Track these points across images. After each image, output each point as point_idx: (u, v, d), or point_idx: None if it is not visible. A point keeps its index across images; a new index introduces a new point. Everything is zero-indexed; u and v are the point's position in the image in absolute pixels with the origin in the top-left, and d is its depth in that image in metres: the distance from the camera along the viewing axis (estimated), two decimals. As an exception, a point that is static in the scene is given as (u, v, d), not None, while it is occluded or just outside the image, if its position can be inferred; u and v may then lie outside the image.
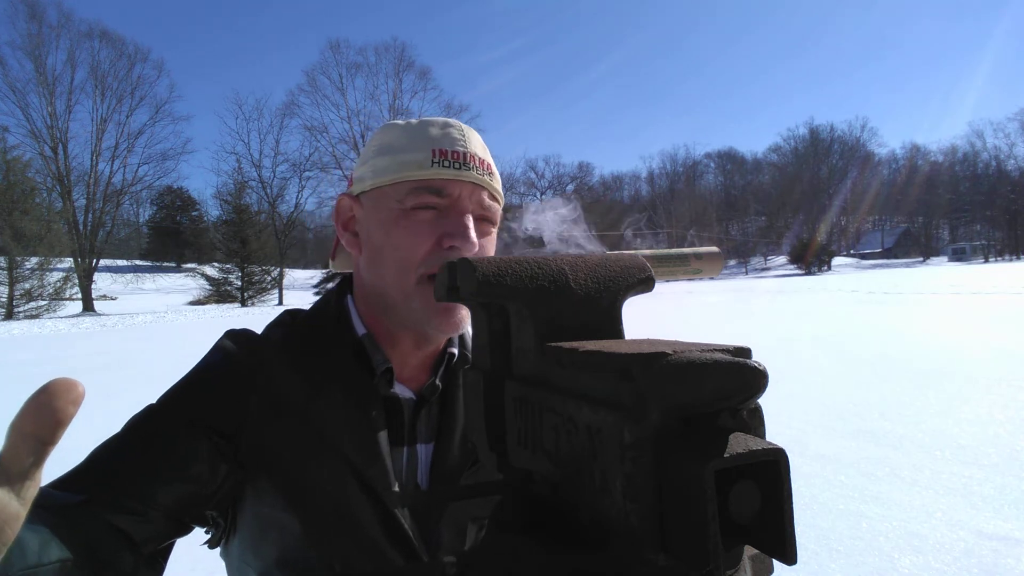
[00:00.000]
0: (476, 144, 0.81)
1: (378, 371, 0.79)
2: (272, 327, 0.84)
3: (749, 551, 0.32)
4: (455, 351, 0.86)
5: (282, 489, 0.72)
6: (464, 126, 0.83)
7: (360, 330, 0.82)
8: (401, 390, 0.80)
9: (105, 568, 0.60)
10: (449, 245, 0.75)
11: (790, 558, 0.27)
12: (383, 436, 0.76)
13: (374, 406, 0.77)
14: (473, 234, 0.76)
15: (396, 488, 0.74)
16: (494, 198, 0.82)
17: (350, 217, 0.85)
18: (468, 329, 0.81)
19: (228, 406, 0.73)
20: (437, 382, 0.83)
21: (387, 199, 0.79)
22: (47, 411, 0.33)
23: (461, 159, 0.78)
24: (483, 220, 0.80)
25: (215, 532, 0.77)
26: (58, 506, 0.61)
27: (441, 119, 0.82)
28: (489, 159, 0.82)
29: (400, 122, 0.83)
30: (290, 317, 0.86)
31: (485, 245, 0.80)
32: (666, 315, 15.25)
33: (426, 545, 0.74)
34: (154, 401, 0.75)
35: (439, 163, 0.77)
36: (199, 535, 0.78)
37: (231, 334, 0.82)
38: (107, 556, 0.61)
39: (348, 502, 0.72)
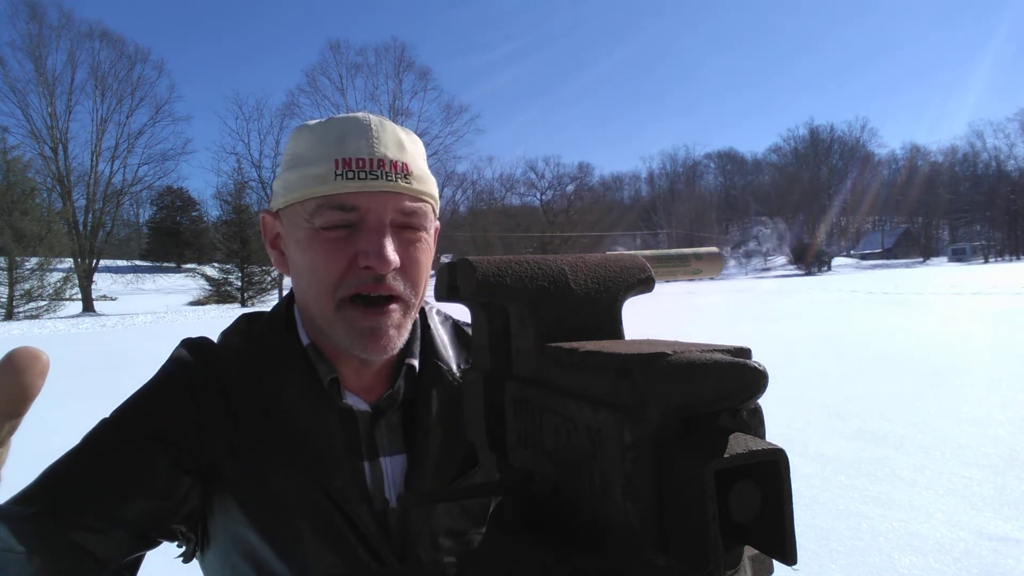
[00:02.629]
0: (389, 142, 0.73)
1: (324, 382, 0.76)
2: (228, 334, 0.82)
3: (749, 551, 0.32)
4: (414, 363, 0.81)
5: (246, 504, 0.71)
6: (378, 120, 0.75)
7: (305, 340, 0.78)
8: (355, 401, 0.78)
9: None
10: (364, 264, 0.70)
11: (790, 558, 0.27)
12: (342, 449, 0.74)
13: (331, 418, 0.74)
14: (389, 250, 0.70)
15: (363, 501, 0.73)
16: (419, 199, 0.74)
17: (276, 235, 0.80)
18: (399, 344, 0.75)
19: (186, 419, 0.71)
20: (396, 395, 0.79)
21: (299, 217, 0.74)
22: (14, 387, 0.32)
23: (368, 167, 0.70)
24: (407, 228, 0.74)
25: (187, 547, 0.75)
26: (14, 518, 0.60)
27: (351, 116, 0.75)
28: (407, 157, 0.74)
29: (311, 123, 0.77)
30: (247, 324, 0.83)
31: (414, 254, 0.74)
32: (666, 315, 15.24)
33: (399, 560, 0.72)
34: (108, 414, 0.72)
35: (343, 175, 0.70)
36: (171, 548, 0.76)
37: (188, 344, 0.79)
38: (69, 567, 0.59)
39: (315, 517, 0.70)
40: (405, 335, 0.76)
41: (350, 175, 0.70)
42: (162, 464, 0.68)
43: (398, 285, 0.73)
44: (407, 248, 0.74)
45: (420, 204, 0.75)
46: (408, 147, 0.75)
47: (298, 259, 0.75)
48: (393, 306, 0.73)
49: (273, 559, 0.70)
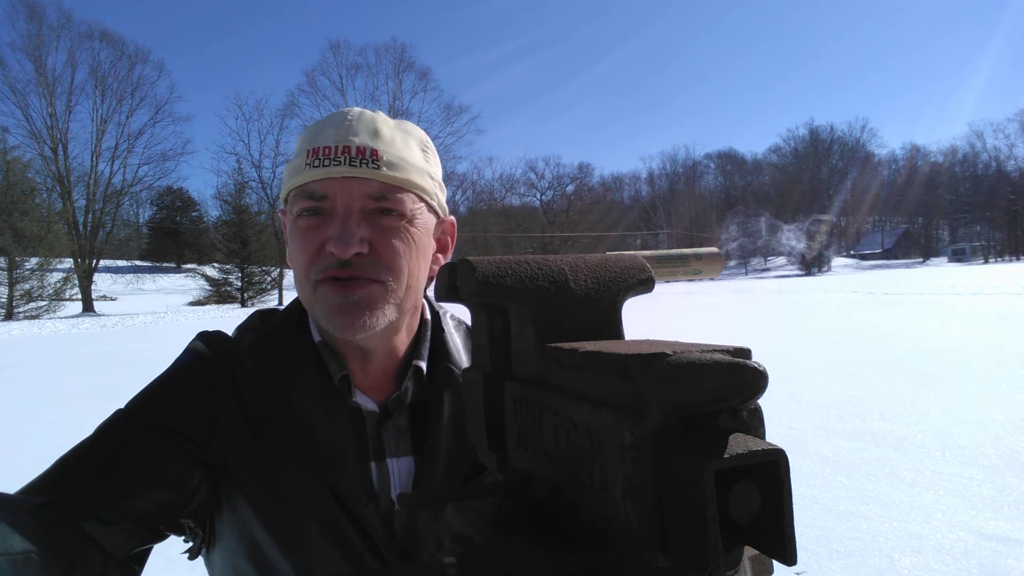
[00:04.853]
0: (361, 130, 0.73)
1: (335, 379, 0.76)
2: (242, 330, 0.82)
3: (749, 551, 0.32)
4: (422, 364, 0.81)
5: (254, 500, 0.71)
6: (360, 112, 0.76)
7: (316, 337, 0.79)
8: (364, 401, 0.78)
9: (73, 568, 0.59)
10: (329, 250, 0.71)
11: (790, 559, 0.27)
12: (350, 449, 0.74)
13: (340, 417, 0.75)
14: (350, 235, 0.70)
15: (370, 502, 0.73)
16: (394, 186, 0.73)
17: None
18: (376, 324, 0.74)
19: (199, 412, 0.72)
20: (403, 396, 0.79)
21: (287, 211, 0.77)
22: None
23: (332, 153, 0.71)
24: (380, 213, 0.73)
25: (194, 542, 0.75)
26: (21, 507, 0.60)
27: (340, 111, 0.76)
28: (380, 144, 0.73)
29: (312, 124, 0.79)
30: (260, 320, 0.83)
31: (389, 239, 0.73)
32: (666, 316, 15.24)
33: (403, 561, 0.72)
34: (123, 405, 0.73)
35: (311, 164, 0.72)
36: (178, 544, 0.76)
37: (203, 337, 0.80)
38: (75, 557, 0.59)
39: (322, 516, 0.71)
40: (385, 319, 0.74)
41: (316, 163, 0.72)
42: (174, 457, 0.68)
43: (369, 269, 0.72)
44: (382, 234, 0.73)
45: (396, 191, 0.73)
46: (385, 135, 0.74)
47: (289, 249, 0.78)
48: (366, 283, 0.73)
49: (278, 556, 0.70)
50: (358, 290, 0.72)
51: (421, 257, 0.77)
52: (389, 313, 0.74)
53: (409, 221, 0.75)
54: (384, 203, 0.73)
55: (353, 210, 0.72)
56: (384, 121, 0.76)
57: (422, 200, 0.77)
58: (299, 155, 0.74)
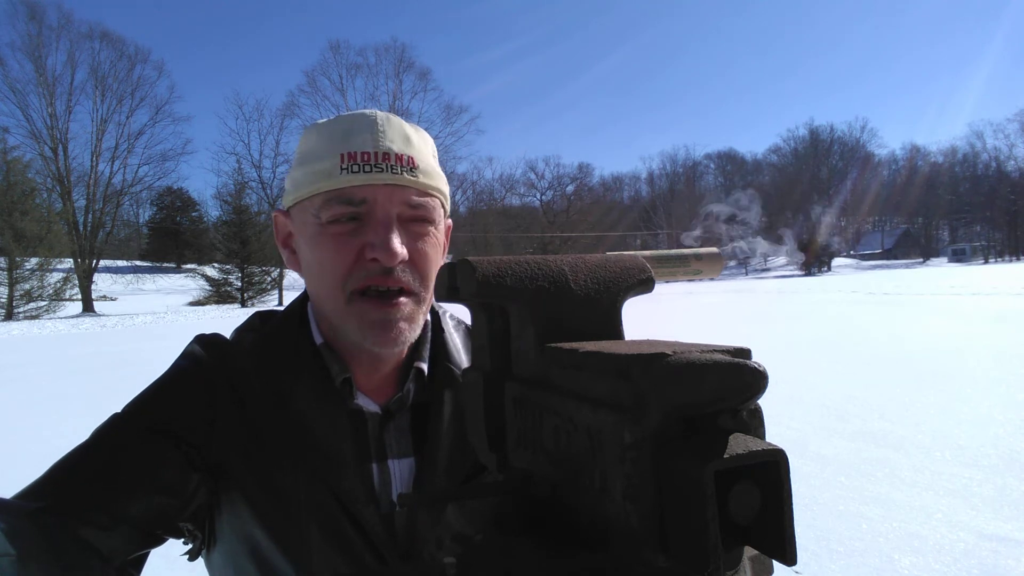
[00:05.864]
0: (395, 136, 0.74)
1: (336, 381, 0.76)
2: (242, 331, 0.82)
3: (749, 552, 0.32)
4: (423, 366, 0.81)
5: (254, 502, 0.70)
6: (384, 115, 0.76)
7: (318, 339, 0.79)
8: (365, 402, 0.77)
9: (70, 572, 0.58)
10: (371, 257, 0.70)
11: (790, 559, 0.27)
12: (351, 450, 0.74)
13: (341, 418, 0.74)
14: (396, 242, 0.70)
15: (371, 503, 0.73)
16: (427, 193, 0.75)
17: (288, 234, 0.81)
18: (410, 338, 0.75)
19: (197, 416, 0.71)
20: (405, 397, 0.79)
21: (307, 213, 0.75)
22: None
23: (373, 160, 0.71)
24: (414, 220, 0.74)
25: (193, 545, 0.75)
26: (18, 512, 0.59)
27: (359, 113, 0.76)
28: (413, 150, 0.75)
29: (320, 122, 0.78)
30: (260, 321, 0.83)
31: (422, 247, 0.74)
32: (666, 316, 15.24)
33: (403, 562, 0.72)
34: (120, 409, 0.72)
35: (348, 168, 0.71)
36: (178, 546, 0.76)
37: (201, 340, 0.79)
38: (72, 562, 0.59)
39: (322, 517, 0.70)
40: (416, 329, 0.76)
41: (355, 168, 0.71)
42: (172, 460, 0.68)
43: (407, 278, 0.73)
44: (415, 241, 0.74)
45: (427, 198, 0.75)
46: (415, 141, 0.76)
47: (308, 255, 0.76)
48: (403, 299, 0.74)
49: (279, 558, 0.69)
50: (401, 308, 0.73)
51: (441, 261, 0.79)
52: (420, 323, 0.77)
53: (435, 226, 0.77)
54: (419, 210, 0.74)
55: (392, 217, 0.72)
56: (409, 127, 0.77)
57: (442, 205, 0.79)
58: (328, 157, 0.72)
